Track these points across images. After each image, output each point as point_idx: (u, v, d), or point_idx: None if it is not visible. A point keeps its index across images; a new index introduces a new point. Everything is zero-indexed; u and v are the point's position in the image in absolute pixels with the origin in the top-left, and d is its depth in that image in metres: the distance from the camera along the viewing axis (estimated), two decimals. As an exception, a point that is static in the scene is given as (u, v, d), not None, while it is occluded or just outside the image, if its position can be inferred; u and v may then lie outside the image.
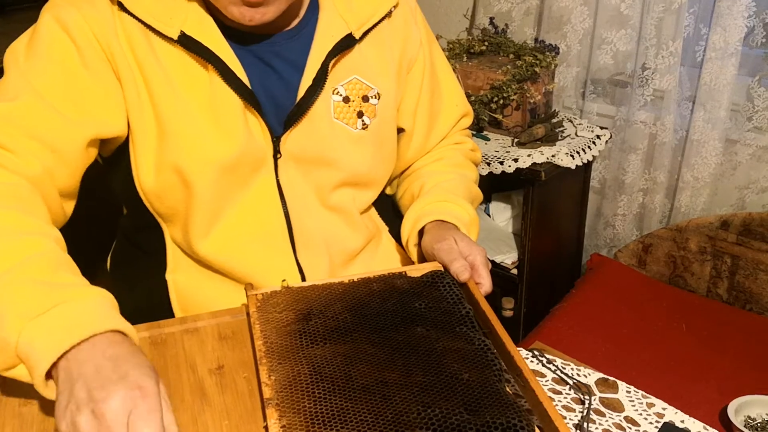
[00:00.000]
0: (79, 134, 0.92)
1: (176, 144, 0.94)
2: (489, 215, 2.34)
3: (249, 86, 0.96)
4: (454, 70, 1.95)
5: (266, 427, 0.71)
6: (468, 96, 2.05)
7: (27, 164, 0.88)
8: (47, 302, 0.72)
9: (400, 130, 1.16)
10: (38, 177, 0.88)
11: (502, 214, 2.32)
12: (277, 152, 1.00)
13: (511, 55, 2.14)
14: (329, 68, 1.01)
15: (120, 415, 0.65)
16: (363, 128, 1.05)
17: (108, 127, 0.94)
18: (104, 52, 0.93)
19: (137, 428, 0.65)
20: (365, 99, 1.05)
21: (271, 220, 1.03)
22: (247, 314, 0.90)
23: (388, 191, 1.25)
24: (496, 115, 2.08)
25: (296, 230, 1.04)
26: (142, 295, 1.06)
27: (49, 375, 0.71)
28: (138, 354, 0.72)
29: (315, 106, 1.01)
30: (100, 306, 0.75)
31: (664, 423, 0.66)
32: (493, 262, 2.15)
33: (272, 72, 1.00)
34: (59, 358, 0.69)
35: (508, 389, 0.76)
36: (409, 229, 1.08)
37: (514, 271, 2.13)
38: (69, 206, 0.96)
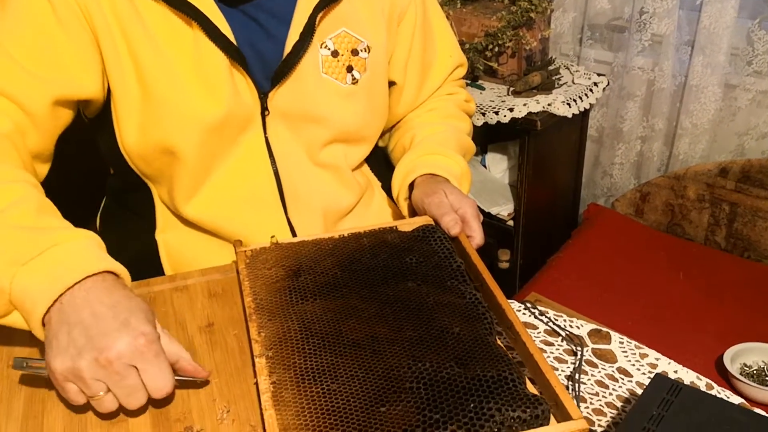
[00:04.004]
0: (46, 92, 0.89)
1: (160, 105, 0.92)
2: (485, 166, 2.32)
3: (235, 43, 0.93)
4: (447, 17, 1.91)
5: (256, 384, 0.71)
6: (462, 44, 2.01)
7: None
8: (36, 247, 0.72)
9: (391, 83, 1.13)
10: (9, 133, 0.86)
11: (498, 166, 2.29)
12: (264, 109, 0.98)
13: (506, 1, 2.09)
14: (317, 21, 0.97)
15: (127, 362, 0.67)
16: (353, 83, 1.02)
17: (79, 88, 0.91)
18: (81, 11, 0.89)
19: (150, 374, 0.68)
20: (354, 52, 1.02)
21: (260, 179, 1.01)
22: (237, 271, 0.89)
23: (380, 143, 1.23)
24: (491, 63, 2.04)
25: (286, 188, 1.02)
26: (132, 254, 1.03)
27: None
28: (133, 298, 0.73)
29: (303, 61, 0.98)
30: (89, 247, 0.75)
31: (656, 374, 0.65)
32: (489, 213, 2.14)
33: (258, 27, 0.97)
34: (54, 302, 0.70)
35: (499, 342, 0.75)
36: (399, 183, 1.06)
37: (511, 223, 2.12)
38: (42, 169, 0.94)
